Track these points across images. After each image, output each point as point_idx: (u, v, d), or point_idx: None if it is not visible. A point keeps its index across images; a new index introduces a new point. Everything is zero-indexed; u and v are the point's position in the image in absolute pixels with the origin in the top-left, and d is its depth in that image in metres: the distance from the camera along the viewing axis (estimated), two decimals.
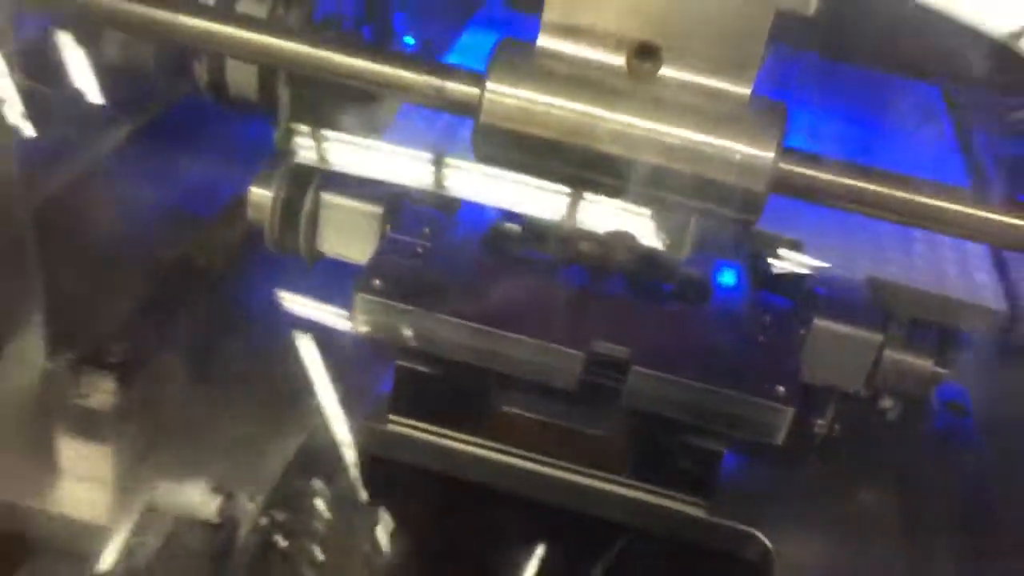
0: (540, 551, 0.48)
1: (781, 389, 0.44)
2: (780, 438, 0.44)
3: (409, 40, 0.64)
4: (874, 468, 0.51)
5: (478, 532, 0.49)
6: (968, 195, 0.40)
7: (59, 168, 0.45)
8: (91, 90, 0.48)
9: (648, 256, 0.45)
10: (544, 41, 0.38)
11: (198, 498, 0.39)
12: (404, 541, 0.44)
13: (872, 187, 0.38)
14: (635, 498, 0.48)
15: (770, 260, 0.48)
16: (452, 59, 0.65)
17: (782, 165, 0.36)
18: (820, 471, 0.50)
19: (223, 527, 0.40)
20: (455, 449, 0.48)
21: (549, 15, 0.37)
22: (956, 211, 0.39)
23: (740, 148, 0.36)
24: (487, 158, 0.40)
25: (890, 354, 0.46)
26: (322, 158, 0.50)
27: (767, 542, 0.47)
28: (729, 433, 0.45)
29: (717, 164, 0.36)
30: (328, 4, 0.54)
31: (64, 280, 0.46)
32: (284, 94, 0.53)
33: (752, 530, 0.48)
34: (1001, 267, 0.53)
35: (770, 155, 0.36)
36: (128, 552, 0.40)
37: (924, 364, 0.46)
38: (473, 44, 0.64)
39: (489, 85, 0.38)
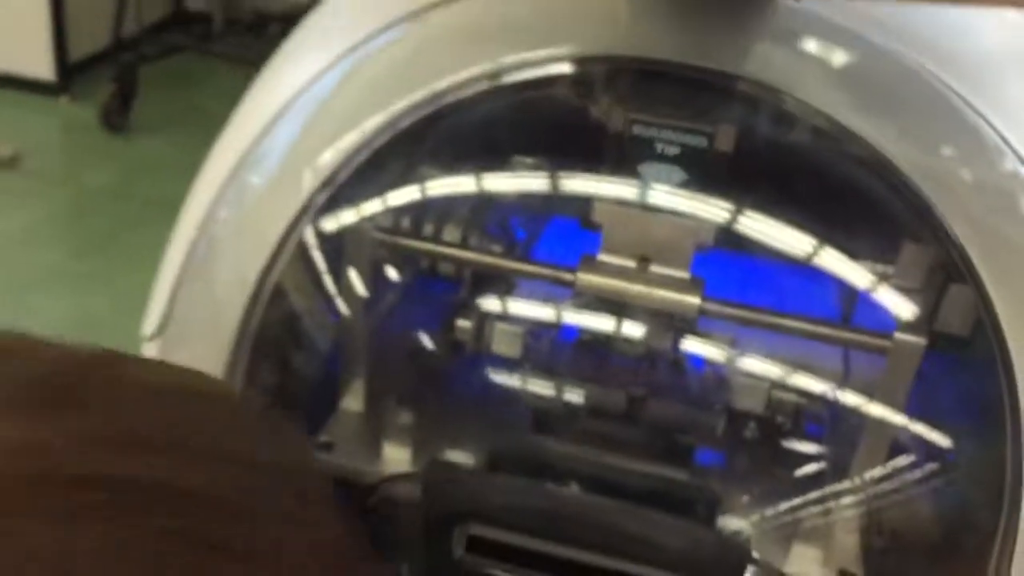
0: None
1: (718, 407, 0.90)
2: (720, 432, 0.91)
3: (521, 234, 1.14)
4: (776, 451, 0.96)
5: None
6: (807, 317, 0.87)
7: (375, 315, 0.95)
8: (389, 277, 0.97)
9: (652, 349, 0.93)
10: (601, 256, 0.86)
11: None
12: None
13: (751, 314, 0.86)
14: (648, 472, 0.83)
15: (714, 348, 0.95)
16: (544, 242, 1.15)
17: (702, 305, 0.84)
18: (748, 455, 0.92)
19: None
20: (561, 452, 0.94)
21: (604, 245, 0.86)
22: (797, 325, 0.86)
23: (683, 298, 0.83)
24: (577, 307, 0.89)
25: (775, 392, 0.92)
26: (490, 305, 0.99)
27: (717, 492, 0.81)
28: (695, 431, 0.92)
29: (673, 305, 0.84)
30: (491, 227, 1.04)
31: (380, 367, 0.96)
32: (468, 274, 1.04)
33: (710, 485, 0.83)
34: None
35: (697, 300, 0.83)
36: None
37: (793, 397, 0.93)
38: (554, 234, 1.13)
39: (579, 274, 0.85)
